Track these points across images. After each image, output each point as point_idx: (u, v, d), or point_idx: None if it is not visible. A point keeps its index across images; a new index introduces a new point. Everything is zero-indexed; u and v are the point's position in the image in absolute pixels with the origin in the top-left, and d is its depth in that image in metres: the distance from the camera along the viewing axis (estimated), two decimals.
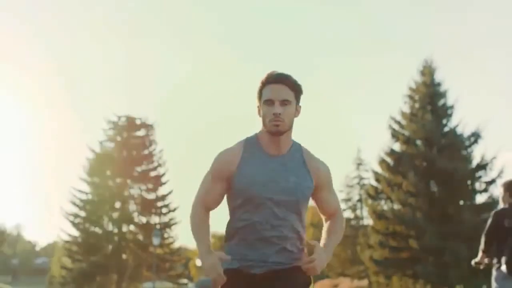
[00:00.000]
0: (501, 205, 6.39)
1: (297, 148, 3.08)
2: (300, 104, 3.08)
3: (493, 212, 6.31)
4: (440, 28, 74.45)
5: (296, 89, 3.01)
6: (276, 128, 2.95)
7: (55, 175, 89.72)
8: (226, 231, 3.10)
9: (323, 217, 3.25)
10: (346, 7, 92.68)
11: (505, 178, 23.45)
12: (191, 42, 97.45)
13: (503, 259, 5.99)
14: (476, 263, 6.26)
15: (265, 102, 2.97)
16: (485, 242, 6.21)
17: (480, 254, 6.30)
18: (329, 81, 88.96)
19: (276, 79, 2.98)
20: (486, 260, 6.22)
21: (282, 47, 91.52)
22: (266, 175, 2.97)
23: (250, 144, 3.06)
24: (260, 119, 3.05)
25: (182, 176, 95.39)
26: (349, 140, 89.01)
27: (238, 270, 3.00)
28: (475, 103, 65.80)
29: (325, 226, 3.21)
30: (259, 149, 3.04)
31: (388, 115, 30.57)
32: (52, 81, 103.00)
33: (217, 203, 3.10)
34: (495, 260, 6.11)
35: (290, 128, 3.01)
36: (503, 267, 5.98)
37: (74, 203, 36.68)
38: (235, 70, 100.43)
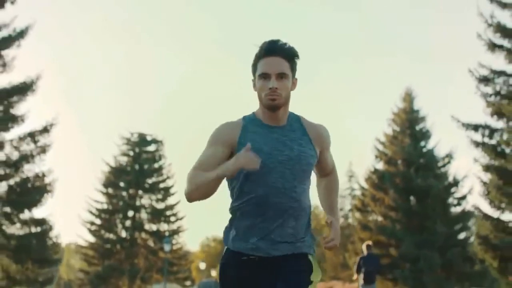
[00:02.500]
0: (364, 253, 13.77)
1: (294, 117, 3.09)
2: (296, 76, 3.04)
3: (358, 257, 13.52)
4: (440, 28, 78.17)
5: (292, 58, 2.99)
6: (273, 102, 2.93)
7: (73, 186, 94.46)
8: (230, 212, 3.05)
9: (317, 174, 3.31)
10: (346, 10, 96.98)
11: (474, 194, 29.05)
12: (190, 45, 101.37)
13: (361, 276, 13.05)
14: (355, 279, 13.27)
15: (261, 76, 2.95)
16: (356, 270, 13.37)
17: (355, 274, 13.37)
18: (330, 84, 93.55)
19: (271, 51, 2.95)
20: (357, 277, 13.18)
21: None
22: (269, 144, 2.95)
23: (249, 119, 3.05)
24: (255, 94, 3.01)
25: None
26: (348, 142, 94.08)
27: (240, 254, 2.97)
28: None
29: (321, 183, 3.31)
30: (258, 122, 3.02)
31: (374, 137, 36.01)
32: (52, 81, 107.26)
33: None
34: (361, 276, 13.08)
35: (287, 102, 3.00)
36: (361, 282, 12.97)
37: (90, 212, 41.79)
38: (236, 73, 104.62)
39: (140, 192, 42.44)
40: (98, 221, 41.72)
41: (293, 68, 3.00)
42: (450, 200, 34.27)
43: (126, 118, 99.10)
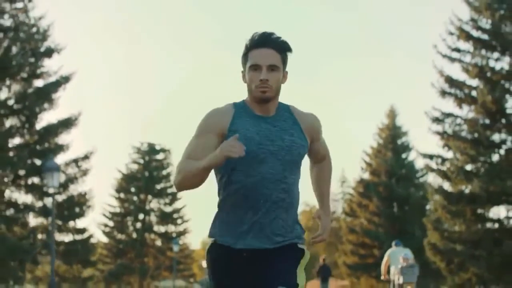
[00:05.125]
0: (321, 263, 20.62)
1: (284, 107, 3.10)
2: (287, 70, 3.07)
3: (318, 265, 20.49)
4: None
5: (284, 50, 3.02)
6: (263, 94, 2.95)
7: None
8: (218, 204, 3.06)
9: (310, 161, 3.28)
10: (347, 9, 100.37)
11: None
12: (190, 46, 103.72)
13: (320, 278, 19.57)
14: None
15: (251, 67, 2.97)
16: (317, 274, 20.58)
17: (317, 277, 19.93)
18: (329, 83, 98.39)
19: (262, 43, 2.98)
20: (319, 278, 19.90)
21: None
22: (260, 134, 2.97)
23: (239, 106, 3.06)
24: (245, 86, 3.04)
25: (194, 193, 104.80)
26: (348, 143, 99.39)
27: (229, 248, 2.98)
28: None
29: (313, 170, 3.30)
30: (249, 110, 3.03)
31: (362, 150, 42.28)
32: None
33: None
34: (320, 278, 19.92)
35: (277, 94, 3.02)
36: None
37: (104, 215, 47.83)
38: (236, 73, 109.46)
39: (149, 196, 48.27)
40: (111, 223, 47.48)
41: (284, 61, 3.01)
42: (428, 207, 40.49)
43: (125, 118, 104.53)
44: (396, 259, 15.15)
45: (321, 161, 3.28)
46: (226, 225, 3.01)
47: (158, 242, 48.36)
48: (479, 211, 25.06)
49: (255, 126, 3.00)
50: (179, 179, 2.93)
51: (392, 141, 41.24)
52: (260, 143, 2.95)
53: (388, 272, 15.62)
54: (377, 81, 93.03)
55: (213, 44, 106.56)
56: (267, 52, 2.97)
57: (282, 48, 3.02)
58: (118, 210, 47.68)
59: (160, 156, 49.64)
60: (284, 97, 3.15)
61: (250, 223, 2.95)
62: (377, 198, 39.98)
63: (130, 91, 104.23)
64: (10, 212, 25.55)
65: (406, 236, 39.00)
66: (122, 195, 48.10)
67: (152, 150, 49.41)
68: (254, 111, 3.04)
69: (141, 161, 49.13)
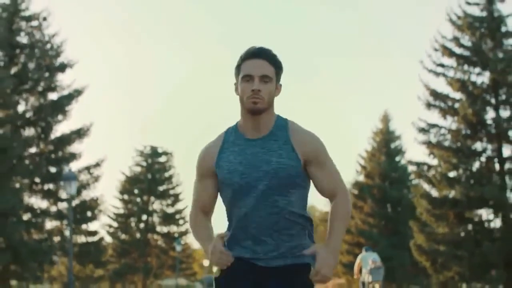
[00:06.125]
0: None
1: (281, 124, 3.09)
2: (281, 83, 3.11)
3: None
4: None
5: (277, 64, 3.06)
6: (254, 105, 2.98)
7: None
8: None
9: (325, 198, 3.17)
10: (346, 8, 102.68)
11: None
12: (190, 45, 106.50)
13: None
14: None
15: (244, 78, 3.01)
16: None
17: None
18: (329, 81, 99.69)
19: (256, 54, 3.03)
20: None
21: (281, 47, 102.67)
22: (245, 162, 3.02)
23: (230, 133, 3.12)
24: (237, 98, 3.07)
25: None
26: (348, 142, 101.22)
27: (239, 258, 3.07)
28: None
29: (329, 210, 3.13)
30: (239, 135, 3.08)
31: (357, 154, 44.78)
32: None
33: (211, 203, 3.19)
34: None
35: (269, 107, 3.03)
36: None
37: (109, 216, 50.19)
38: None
39: (152, 198, 50.41)
40: (115, 224, 49.91)
41: (277, 73, 3.05)
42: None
43: (125, 117, 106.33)
44: (366, 262, 18.38)
45: (334, 196, 3.11)
46: (230, 238, 3.14)
47: (161, 242, 50.49)
48: (461, 214, 27.57)
49: (240, 154, 3.05)
50: (192, 231, 3.25)
51: (386, 145, 43.75)
52: (243, 173, 3.02)
53: (360, 272, 18.67)
54: (374, 83, 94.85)
55: (213, 44, 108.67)
56: (260, 62, 3.02)
57: (276, 60, 3.07)
58: (122, 211, 49.69)
59: (162, 159, 51.88)
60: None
61: (245, 246, 3.09)
62: (372, 200, 42.50)
63: (131, 93, 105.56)
64: (28, 216, 28.15)
65: (399, 236, 41.59)
66: (126, 196, 50.17)
67: (154, 153, 51.67)
68: (245, 135, 3.08)
69: (144, 164, 51.39)
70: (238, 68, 3.07)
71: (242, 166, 3.03)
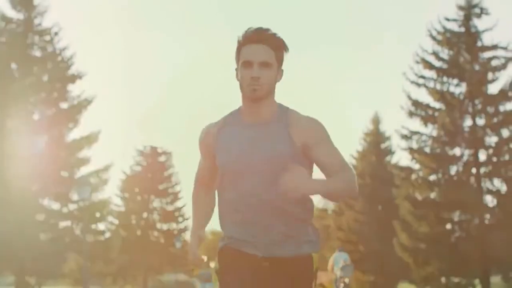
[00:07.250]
0: None
1: (281, 111, 3.08)
2: (283, 68, 3.07)
3: None
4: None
5: (278, 47, 3.01)
6: (254, 93, 2.96)
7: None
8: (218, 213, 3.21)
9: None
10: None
11: None
12: (190, 34, 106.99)
13: None
14: None
15: (243, 64, 2.98)
16: None
17: None
18: (324, 71, 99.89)
19: (255, 38, 2.97)
20: None
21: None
22: (240, 147, 3.04)
23: (232, 115, 3.15)
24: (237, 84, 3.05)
25: None
26: (342, 142, 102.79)
27: (234, 249, 3.10)
28: None
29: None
30: (239, 119, 3.10)
31: (351, 152, 47.77)
32: None
33: (212, 179, 3.28)
34: None
35: (270, 93, 3.02)
36: None
37: (110, 214, 52.90)
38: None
39: (152, 196, 52.89)
40: (116, 222, 52.31)
41: (279, 58, 3.01)
42: None
43: (125, 112, 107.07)
44: (338, 261, 22.34)
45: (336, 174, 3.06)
46: (225, 226, 3.19)
47: (161, 239, 52.77)
48: (441, 215, 30.51)
49: (237, 138, 3.07)
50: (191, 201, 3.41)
51: (376, 146, 46.76)
52: (238, 158, 3.03)
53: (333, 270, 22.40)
54: (366, 86, 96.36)
55: (214, 45, 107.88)
56: (259, 48, 2.97)
57: (276, 44, 3.02)
58: (122, 209, 51.78)
59: (162, 159, 54.46)
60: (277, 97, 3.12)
61: (241, 231, 3.10)
62: (363, 199, 45.53)
63: (131, 93, 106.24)
64: (42, 217, 31.10)
65: (389, 233, 44.47)
66: (126, 195, 52.56)
67: (154, 153, 54.40)
68: (245, 120, 3.09)
69: (144, 163, 53.98)
70: (238, 52, 3.05)
71: (238, 151, 3.06)
